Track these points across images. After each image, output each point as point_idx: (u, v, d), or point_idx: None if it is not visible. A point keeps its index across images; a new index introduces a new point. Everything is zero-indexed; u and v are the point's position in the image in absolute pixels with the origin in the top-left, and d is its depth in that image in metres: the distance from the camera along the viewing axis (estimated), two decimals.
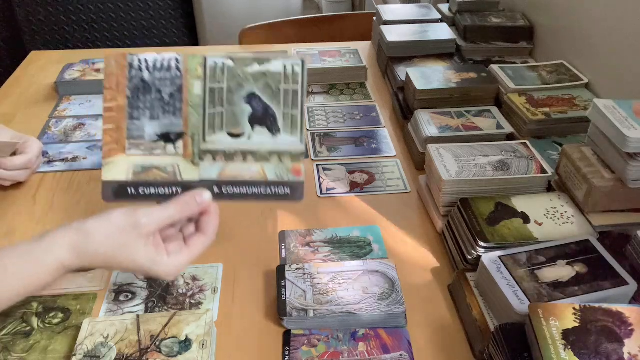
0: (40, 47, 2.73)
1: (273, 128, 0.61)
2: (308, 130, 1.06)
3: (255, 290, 0.73)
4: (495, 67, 1.08)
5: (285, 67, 0.61)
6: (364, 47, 1.41)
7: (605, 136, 0.70)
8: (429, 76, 1.05)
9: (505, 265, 0.65)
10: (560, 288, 0.61)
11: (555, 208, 0.74)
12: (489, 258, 0.66)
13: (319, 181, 0.93)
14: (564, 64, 1.10)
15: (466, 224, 0.72)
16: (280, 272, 0.70)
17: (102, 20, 2.73)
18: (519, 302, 0.59)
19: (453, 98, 1.01)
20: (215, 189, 0.61)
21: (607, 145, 0.71)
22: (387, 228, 0.83)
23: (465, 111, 0.99)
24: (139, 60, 0.61)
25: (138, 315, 0.66)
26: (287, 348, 0.64)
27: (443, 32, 1.25)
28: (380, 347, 0.63)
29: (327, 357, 0.62)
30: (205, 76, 0.61)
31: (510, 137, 0.94)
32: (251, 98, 0.61)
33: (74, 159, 0.98)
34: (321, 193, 0.90)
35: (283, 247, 0.78)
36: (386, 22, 1.32)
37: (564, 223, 0.72)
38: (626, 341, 0.51)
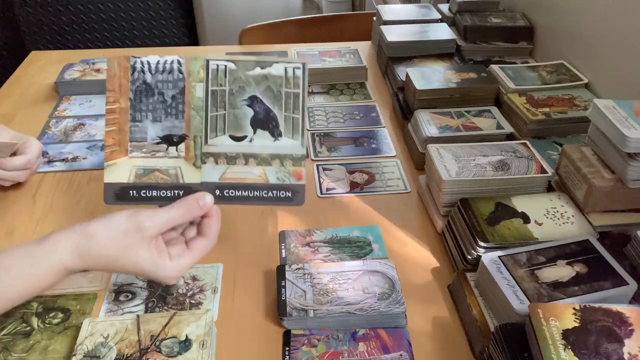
0: (40, 47, 2.73)
1: (275, 131, 0.61)
2: (308, 130, 1.06)
3: (255, 290, 0.73)
4: (495, 67, 1.08)
5: (286, 70, 0.61)
6: (364, 47, 1.41)
7: (605, 136, 0.70)
8: (429, 76, 1.05)
9: (505, 265, 0.65)
10: (560, 288, 0.61)
11: (555, 208, 0.74)
12: (489, 258, 0.66)
13: (319, 181, 0.93)
14: (564, 64, 1.10)
15: (466, 224, 0.72)
16: (280, 272, 0.70)
17: (102, 20, 2.73)
18: (519, 302, 0.59)
19: (453, 98, 1.01)
20: (217, 192, 0.61)
21: (607, 145, 0.71)
22: (387, 228, 0.83)
23: (465, 111, 0.99)
24: (142, 63, 0.61)
25: (138, 315, 0.66)
26: (287, 348, 0.64)
27: (443, 32, 1.25)
28: (380, 347, 0.63)
29: (327, 357, 0.62)
30: (208, 79, 0.61)
31: (510, 137, 0.94)
32: (253, 101, 0.61)
33: (74, 159, 0.98)
34: (321, 193, 0.90)
35: (283, 247, 0.78)
36: (386, 22, 1.32)
37: (564, 223, 0.72)
38: (626, 341, 0.51)
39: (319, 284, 0.68)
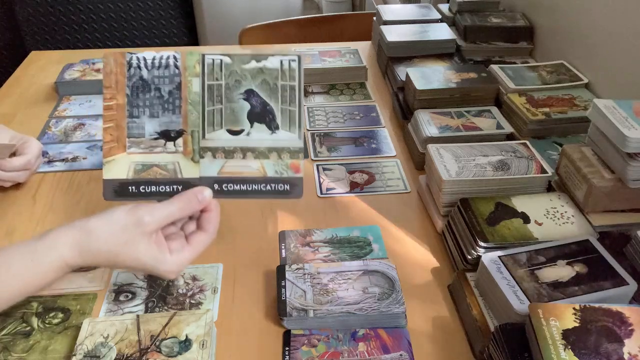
0: (40, 47, 2.73)
1: (272, 124, 0.62)
2: (308, 130, 1.07)
3: (255, 290, 0.73)
4: (495, 67, 1.08)
5: (282, 63, 0.61)
6: (364, 47, 1.41)
7: (605, 136, 0.70)
8: (429, 76, 1.05)
9: (505, 265, 0.65)
10: (560, 288, 0.61)
11: (555, 208, 0.74)
12: (489, 258, 0.66)
13: (319, 181, 0.93)
14: (564, 64, 1.10)
15: (466, 224, 0.72)
16: (280, 272, 0.70)
17: (102, 20, 2.74)
18: (519, 302, 0.59)
19: (453, 98, 1.01)
20: (216, 186, 0.62)
21: (607, 145, 0.71)
22: (387, 228, 0.83)
23: (465, 111, 0.99)
24: (138, 59, 0.61)
25: (138, 315, 0.66)
26: (287, 348, 0.64)
27: (443, 32, 1.25)
28: (380, 347, 0.63)
29: (327, 357, 0.62)
30: (204, 73, 0.61)
31: (510, 137, 0.94)
32: (249, 94, 0.61)
33: (74, 159, 0.98)
34: (321, 193, 0.90)
35: (283, 247, 0.78)
36: (386, 22, 1.32)
37: (564, 223, 0.72)
38: (626, 341, 0.51)
39: (319, 284, 0.68)
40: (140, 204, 0.59)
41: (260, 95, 0.61)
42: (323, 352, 0.63)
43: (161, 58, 0.61)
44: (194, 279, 0.74)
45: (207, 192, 0.61)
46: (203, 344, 0.62)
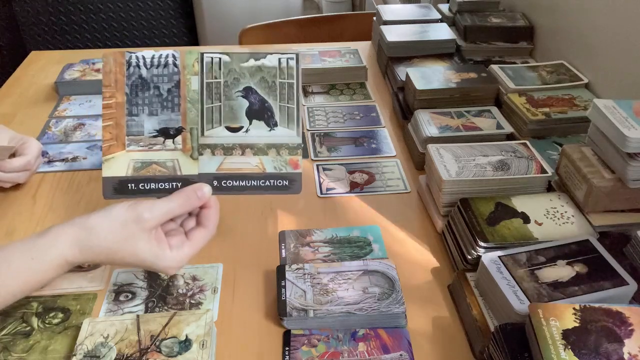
0: (40, 47, 2.73)
1: (270, 121, 0.62)
2: (308, 130, 1.06)
3: (255, 290, 0.73)
4: (495, 67, 1.08)
5: (280, 61, 0.61)
6: (364, 47, 1.41)
7: (605, 136, 0.70)
8: (429, 76, 1.05)
9: (505, 265, 0.65)
10: (560, 288, 0.61)
11: (555, 208, 0.74)
12: (489, 258, 0.66)
13: (319, 181, 0.93)
14: (564, 64, 1.10)
15: (466, 224, 0.72)
16: (280, 272, 0.70)
17: (102, 20, 2.74)
18: (519, 302, 0.59)
19: (453, 98, 1.01)
20: (215, 183, 0.62)
21: (607, 145, 0.71)
22: (387, 228, 0.83)
23: (465, 111, 0.99)
24: (137, 58, 0.62)
25: (138, 315, 0.66)
26: (287, 348, 0.64)
27: (443, 32, 1.25)
28: (380, 347, 0.63)
29: (327, 357, 0.62)
30: (202, 71, 0.61)
31: (510, 137, 0.94)
32: (248, 92, 0.62)
33: (74, 159, 0.98)
34: (321, 193, 0.90)
35: (283, 247, 0.78)
36: (386, 22, 1.32)
37: (564, 223, 0.72)
38: (626, 341, 0.51)
39: (319, 284, 0.68)
40: (139, 200, 0.59)
41: (259, 92, 0.62)
42: (323, 352, 0.63)
43: (160, 57, 0.62)
44: (194, 279, 0.74)
45: (206, 189, 0.61)
46: (203, 344, 0.62)
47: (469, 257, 0.70)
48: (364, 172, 0.95)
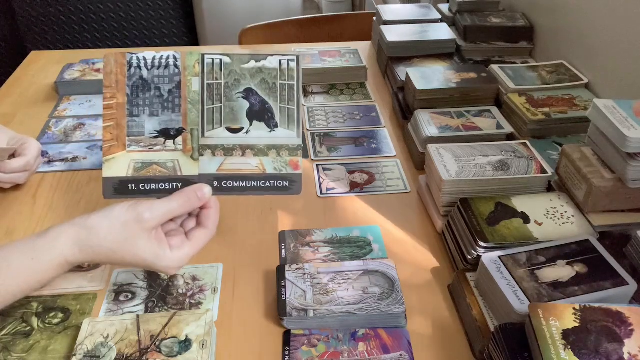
0: (40, 47, 2.73)
1: (270, 122, 0.62)
2: (308, 130, 1.07)
3: (255, 290, 0.73)
4: (495, 67, 1.08)
5: (280, 62, 0.61)
6: (364, 47, 1.41)
7: (605, 136, 0.70)
8: (429, 76, 1.05)
9: (505, 265, 0.65)
10: (560, 288, 0.61)
11: (555, 208, 0.74)
12: (489, 258, 0.66)
13: (319, 181, 0.93)
14: (564, 64, 1.10)
15: (466, 224, 0.72)
16: (280, 272, 0.70)
17: (102, 20, 2.74)
18: (519, 302, 0.59)
19: (453, 98, 1.01)
20: (215, 183, 0.62)
21: (607, 145, 0.71)
22: (387, 228, 0.83)
23: (465, 111, 0.99)
24: (138, 59, 0.62)
25: (138, 315, 0.66)
26: (287, 348, 0.64)
27: (443, 32, 1.25)
28: (380, 347, 0.63)
29: (327, 357, 0.62)
30: (203, 73, 0.61)
31: (510, 137, 0.94)
32: (248, 93, 0.62)
33: (74, 159, 0.98)
34: (321, 193, 0.90)
35: (283, 247, 0.78)
36: (386, 22, 1.32)
37: (564, 223, 0.72)
38: (626, 341, 0.51)
39: (319, 284, 0.68)
40: (140, 201, 0.59)
41: (259, 94, 0.62)
42: (323, 352, 0.63)
43: (161, 58, 0.62)
44: (194, 278, 0.74)
45: (206, 189, 0.61)
46: (203, 344, 0.62)
47: (469, 257, 0.70)
48: (364, 172, 0.95)
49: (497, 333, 0.56)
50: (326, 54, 1.29)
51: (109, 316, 0.68)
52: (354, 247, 0.79)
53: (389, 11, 1.37)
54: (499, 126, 0.95)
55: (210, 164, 0.62)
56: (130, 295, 0.71)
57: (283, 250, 0.78)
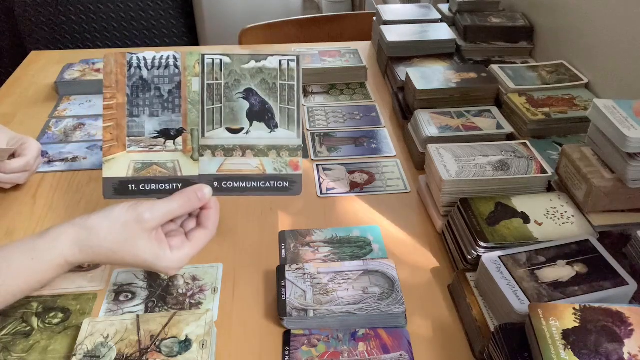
0: (40, 47, 2.73)
1: (270, 123, 0.62)
2: (308, 130, 1.07)
3: (255, 290, 0.73)
4: (495, 67, 1.08)
5: (281, 62, 0.61)
6: (364, 47, 1.41)
7: (605, 136, 0.70)
8: (429, 76, 1.05)
9: (505, 265, 0.65)
10: (560, 288, 0.61)
11: (555, 208, 0.74)
12: (489, 258, 0.66)
13: (319, 181, 0.93)
14: (564, 64, 1.10)
15: (466, 224, 0.72)
16: (280, 272, 0.70)
17: (102, 20, 2.73)
18: (519, 302, 0.59)
19: (453, 98, 1.01)
20: (215, 184, 0.62)
21: (607, 145, 0.71)
22: (387, 228, 0.83)
23: (465, 111, 0.99)
24: (138, 59, 0.62)
25: (138, 315, 0.66)
26: (287, 348, 0.64)
27: (443, 32, 1.25)
28: (380, 347, 0.63)
29: (327, 357, 0.62)
30: (203, 73, 0.61)
31: (510, 137, 0.94)
32: (249, 94, 0.62)
33: (74, 159, 0.98)
34: (321, 193, 0.90)
35: (283, 247, 0.78)
36: (386, 22, 1.32)
37: (564, 223, 0.72)
38: (626, 341, 0.51)
39: (319, 284, 0.68)
40: (140, 201, 0.59)
41: (259, 94, 0.62)
42: (323, 352, 0.63)
43: (161, 58, 0.62)
44: (194, 278, 0.74)
45: (207, 190, 0.61)
46: (203, 344, 0.62)
47: (469, 257, 0.70)
48: (364, 172, 0.95)
49: (497, 333, 0.56)
50: (326, 54, 1.29)
51: (109, 316, 0.68)
52: (354, 247, 0.79)
53: (389, 11, 1.37)
54: (499, 126, 0.95)
55: (210, 165, 0.62)
56: (130, 295, 0.71)
57: (283, 250, 0.78)
